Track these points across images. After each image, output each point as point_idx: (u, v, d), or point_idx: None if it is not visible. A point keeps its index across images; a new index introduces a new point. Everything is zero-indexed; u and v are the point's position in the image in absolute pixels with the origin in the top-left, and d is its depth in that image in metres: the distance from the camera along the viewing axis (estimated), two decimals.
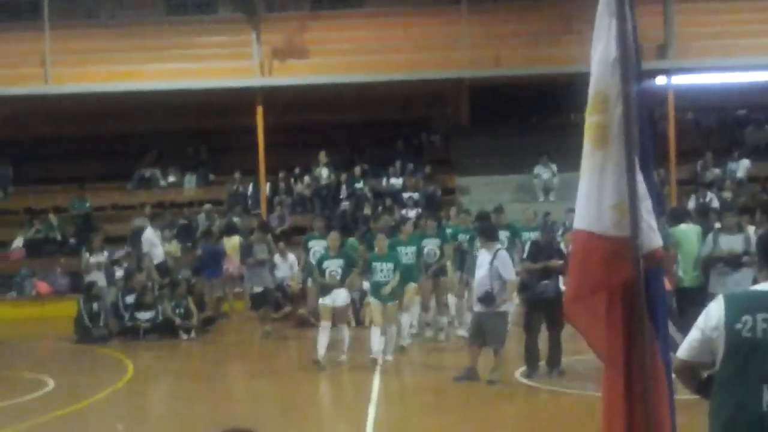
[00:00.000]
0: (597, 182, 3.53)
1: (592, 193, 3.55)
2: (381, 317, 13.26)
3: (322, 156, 24.30)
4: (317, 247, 15.64)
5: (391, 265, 13.41)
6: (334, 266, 13.50)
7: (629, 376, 3.52)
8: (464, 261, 14.87)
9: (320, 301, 13.54)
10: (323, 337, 13.20)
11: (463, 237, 15.74)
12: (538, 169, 23.88)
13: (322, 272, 13.51)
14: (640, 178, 3.45)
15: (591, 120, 3.53)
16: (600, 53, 3.55)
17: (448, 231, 16.30)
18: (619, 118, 3.47)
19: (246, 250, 17.51)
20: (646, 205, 3.45)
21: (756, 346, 3.91)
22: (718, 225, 13.38)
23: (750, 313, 3.91)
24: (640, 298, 3.47)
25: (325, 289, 13.46)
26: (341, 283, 13.45)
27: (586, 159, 3.55)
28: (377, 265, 13.46)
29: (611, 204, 3.49)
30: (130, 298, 17.46)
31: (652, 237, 3.48)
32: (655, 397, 3.47)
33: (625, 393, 3.52)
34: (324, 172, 24.25)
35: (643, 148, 3.46)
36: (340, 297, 13.45)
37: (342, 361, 13.36)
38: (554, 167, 23.52)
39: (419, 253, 14.76)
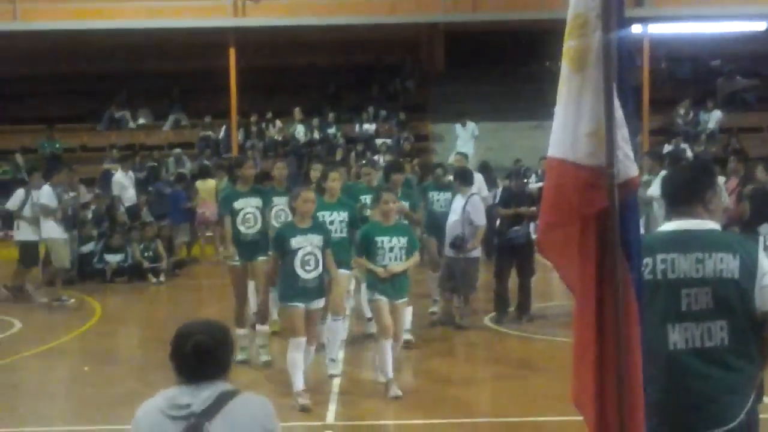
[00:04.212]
0: (573, 108, 3.43)
1: (568, 120, 3.46)
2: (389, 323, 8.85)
3: (297, 113, 24.08)
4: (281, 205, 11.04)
5: (404, 240, 9.02)
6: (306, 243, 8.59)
7: (601, 307, 3.47)
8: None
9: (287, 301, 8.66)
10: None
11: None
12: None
13: (292, 251, 8.50)
14: (617, 104, 3.36)
15: (569, 44, 3.42)
16: None
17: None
18: (598, 42, 3.37)
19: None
20: (622, 133, 3.37)
21: (657, 287, 3.97)
22: None
23: (650, 254, 3.97)
24: (614, 229, 3.40)
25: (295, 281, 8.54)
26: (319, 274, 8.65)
27: (563, 83, 3.44)
28: (383, 240, 8.98)
29: (587, 132, 3.40)
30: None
31: (628, 165, 3.41)
32: (626, 329, 3.42)
33: (597, 324, 3.47)
34: (300, 130, 24.01)
35: (622, 74, 3.36)
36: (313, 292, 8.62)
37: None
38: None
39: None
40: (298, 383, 8.52)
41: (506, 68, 27.26)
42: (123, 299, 15.88)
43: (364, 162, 14.10)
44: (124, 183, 19.56)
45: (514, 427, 8.26)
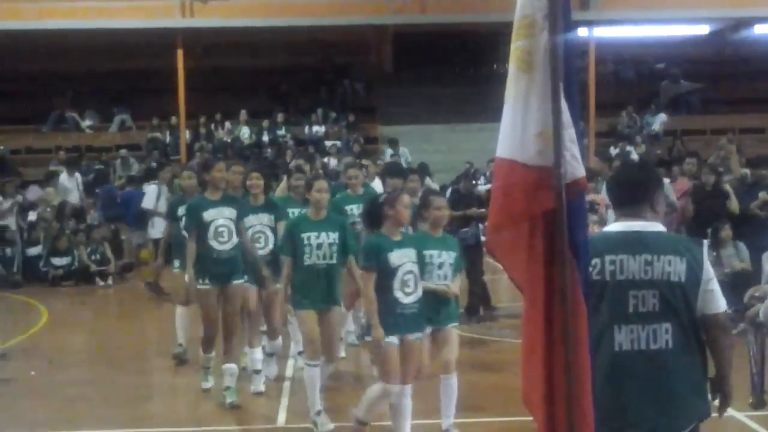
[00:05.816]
0: (521, 109, 3.46)
1: (516, 121, 3.48)
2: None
3: (243, 115, 23.97)
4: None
5: (453, 255, 7.37)
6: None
7: (549, 307, 3.50)
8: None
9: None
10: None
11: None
12: None
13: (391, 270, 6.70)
14: (564, 105, 3.39)
15: (516, 45, 3.44)
16: None
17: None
18: (545, 43, 3.39)
19: None
20: (569, 134, 3.40)
21: (605, 288, 3.99)
22: None
23: (598, 255, 3.97)
24: (562, 229, 3.43)
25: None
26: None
27: (511, 84, 3.46)
28: (432, 254, 7.24)
29: (535, 132, 3.43)
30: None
31: (575, 166, 3.44)
32: (574, 329, 3.45)
33: (545, 324, 3.49)
34: (245, 132, 23.90)
35: (568, 75, 3.39)
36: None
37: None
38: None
39: None
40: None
41: (455, 70, 27.43)
42: (70, 303, 15.69)
43: (349, 162, 11.80)
44: (68, 186, 19.32)
45: (465, 427, 8.28)
